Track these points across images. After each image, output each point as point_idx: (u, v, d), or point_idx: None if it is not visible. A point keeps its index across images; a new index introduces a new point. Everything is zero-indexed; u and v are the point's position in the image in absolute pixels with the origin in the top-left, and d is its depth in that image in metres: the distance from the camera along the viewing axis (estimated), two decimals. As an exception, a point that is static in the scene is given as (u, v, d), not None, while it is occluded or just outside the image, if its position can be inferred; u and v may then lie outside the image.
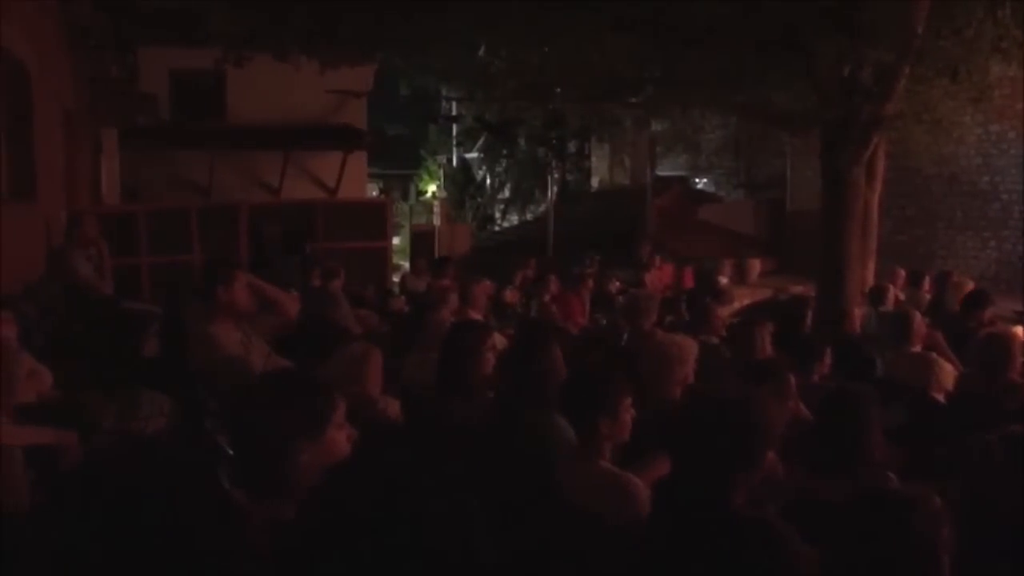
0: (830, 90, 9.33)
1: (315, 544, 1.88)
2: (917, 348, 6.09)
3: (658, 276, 13.76)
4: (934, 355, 5.94)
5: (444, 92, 22.55)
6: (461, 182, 29.62)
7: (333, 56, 11.38)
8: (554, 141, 22.69)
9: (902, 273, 11.06)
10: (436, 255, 16.91)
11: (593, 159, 27.82)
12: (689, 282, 13.88)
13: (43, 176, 8.40)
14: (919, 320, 6.32)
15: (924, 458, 3.91)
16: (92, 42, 10.95)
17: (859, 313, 8.28)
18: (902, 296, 9.92)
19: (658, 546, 2.53)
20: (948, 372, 5.67)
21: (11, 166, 7.21)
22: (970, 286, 9.73)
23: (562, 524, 3.00)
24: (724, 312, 8.23)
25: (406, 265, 18.76)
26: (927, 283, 10.46)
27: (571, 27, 9.43)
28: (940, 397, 5.42)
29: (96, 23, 10.37)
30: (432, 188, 31.15)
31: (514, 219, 28.15)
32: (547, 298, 9.35)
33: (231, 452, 2.33)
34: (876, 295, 9.14)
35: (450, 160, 31.05)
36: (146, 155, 15.24)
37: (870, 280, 11.24)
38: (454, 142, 30.43)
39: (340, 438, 2.28)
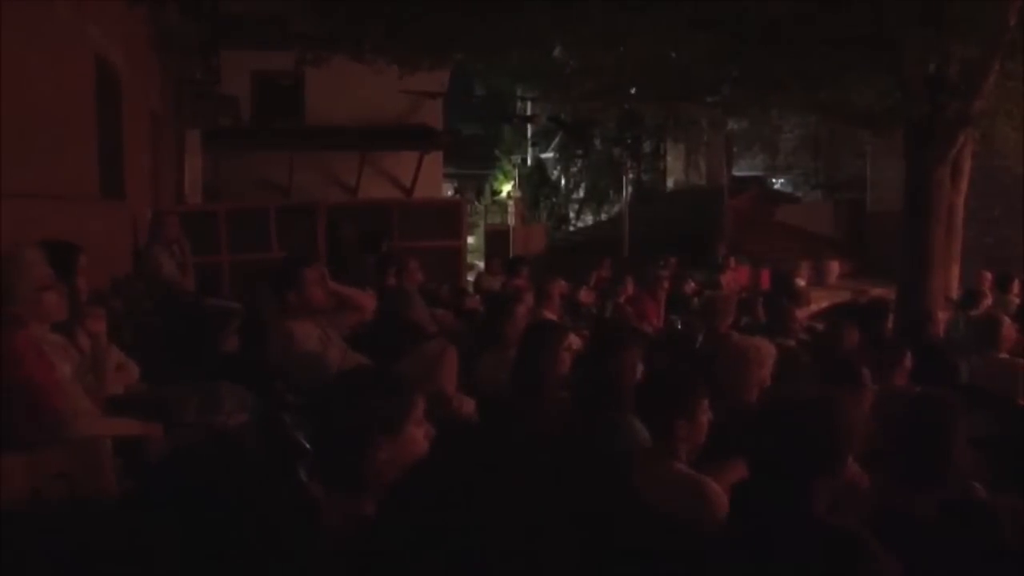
0: (915, 87, 9.10)
1: (394, 539, 1.90)
2: (1005, 355, 5.90)
3: (734, 277, 13.59)
4: (1022, 361, 5.75)
5: (519, 92, 22.61)
6: (536, 182, 29.63)
7: (410, 58, 11.49)
8: (629, 141, 22.60)
9: (988, 276, 10.74)
10: (511, 255, 16.96)
11: (668, 159, 27.59)
12: (765, 284, 13.68)
13: (131, 176, 8.65)
14: (1008, 325, 6.13)
15: (1012, 469, 3.79)
16: (178, 46, 11.24)
17: (943, 317, 8.07)
18: (988, 300, 9.64)
19: (736, 551, 2.50)
20: (1037, 379, 5.50)
21: (102, 166, 7.44)
22: (1061, 291, 9.42)
23: (639, 526, 2.98)
24: (801, 314, 8.09)
25: (481, 265, 18.84)
26: (1016, 287, 10.14)
27: (647, 26, 9.36)
28: (1030, 406, 5.26)
29: (182, 27, 10.65)
30: (507, 188, 31.20)
31: (589, 219, 28.05)
32: (622, 299, 9.30)
33: (309, 447, 2.37)
34: (968, 299, 8.88)
35: (525, 160, 31.08)
36: (227, 155, 15.62)
37: (954, 283, 10.95)
38: (529, 142, 30.46)
39: (419, 435, 2.29)
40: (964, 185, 11.37)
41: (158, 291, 7.24)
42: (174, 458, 3.68)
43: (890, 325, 7.12)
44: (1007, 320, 6.32)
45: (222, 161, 15.62)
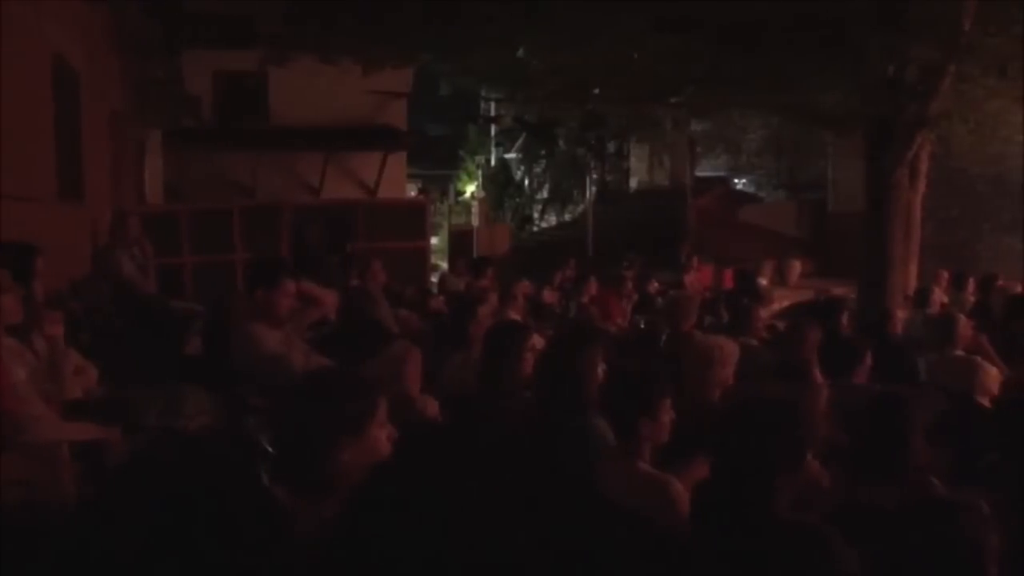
0: (875, 89, 9.22)
1: (357, 541, 1.90)
2: (960, 351, 5.99)
3: (697, 277, 13.69)
4: (978, 359, 5.84)
5: (484, 93, 22.62)
6: (500, 182, 29.65)
7: (375, 58, 11.46)
8: (593, 141, 22.69)
9: (945, 275, 10.90)
10: (475, 255, 16.95)
11: (632, 159, 27.73)
12: (729, 283, 13.78)
13: (90, 176, 8.54)
14: (964, 323, 6.22)
15: (968, 464, 3.85)
16: (139, 45, 11.11)
17: (902, 316, 8.17)
18: (945, 299, 9.78)
19: (699, 548, 2.52)
20: (993, 376, 5.58)
21: (59, 166, 7.34)
22: (1017, 290, 9.57)
23: (603, 525, 2.99)
24: (764, 314, 8.15)
25: (445, 265, 18.82)
26: (971, 286, 10.30)
27: (612, 27, 9.40)
28: (985, 401, 5.33)
29: (143, 26, 10.52)
30: (471, 188, 31.20)
31: (553, 220, 28.13)
32: (586, 299, 9.31)
33: (272, 450, 2.36)
34: (921, 297, 9.02)
35: (489, 160, 31.09)
36: (190, 156, 15.46)
37: (912, 282, 11.10)
38: (493, 142, 30.47)
39: (381, 437, 2.29)
40: (922, 185, 11.55)
41: (118, 293, 7.15)
42: (134, 462, 3.64)
43: (846, 322, 7.18)
44: (963, 318, 6.42)
45: (184, 162, 15.46)
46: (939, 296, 9.42)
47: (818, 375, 4.22)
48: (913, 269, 11.53)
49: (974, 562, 2.21)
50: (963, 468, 3.75)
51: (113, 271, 7.52)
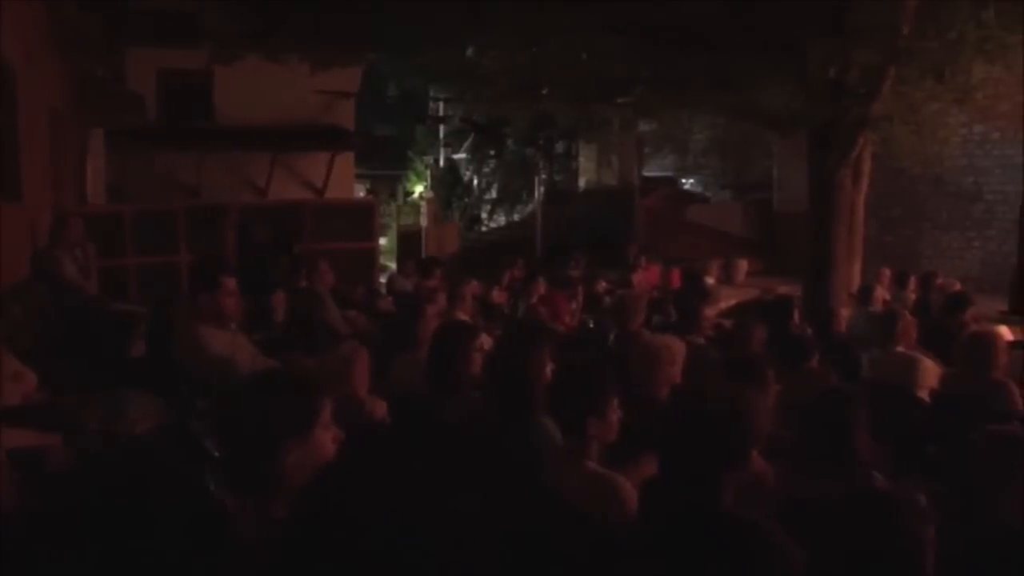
0: (818, 91, 9.37)
1: (304, 542, 1.88)
2: (901, 348, 6.11)
3: (645, 276, 13.77)
4: (918, 355, 5.97)
5: (432, 93, 22.55)
6: (449, 183, 29.59)
7: (324, 56, 11.37)
8: (541, 142, 22.71)
9: (888, 273, 11.11)
10: (423, 256, 16.90)
11: (580, 160, 27.84)
12: (676, 282, 13.90)
13: (28, 176, 8.35)
14: (907, 320, 6.35)
15: (910, 458, 3.93)
16: (79, 41, 10.90)
17: (846, 313, 8.32)
18: (888, 296, 9.97)
19: (647, 546, 2.54)
20: (932, 371, 5.71)
21: (-4, 166, 7.18)
22: (956, 287, 9.79)
23: (551, 525, 3.00)
24: (710, 312, 8.24)
25: (393, 266, 18.75)
26: (912, 283, 10.52)
27: (561, 27, 9.44)
28: (924, 395, 5.45)
29: (84, 22, 10.32)
30: (419, 189, 31.11)
31: (501, 220, 28.14)
32: (534, 299, 9.34)
33: (217, 453, 2.34)
34: (864, 295, 9.19)
35: (437, 161, 31.02)
36: (133, 156, 15.19)
37: (856, 280, 11.30)
38: (442, 143, 30.39)
39: (326, 439, 2.28)
40: (864, 185, 11.77)
41: (59, 296, 7.01)
42: (76, 469, 3.57)
43: (798, 320, 7.30)
44: (907, 315, 6.55)
45: (128, 161, 15.17)
46: (881, 294, 9.61)
47: (767, 372, 4.28)
48: (857, 267, 11.74)
49: (911, 553, 2.26)
50: (905, 463, 3.84)
51: (54, 273, 7.38)
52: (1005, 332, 7.43)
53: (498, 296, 10.07)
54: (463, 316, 6.95)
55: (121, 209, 12.20)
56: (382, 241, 18.57)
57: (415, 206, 29.66)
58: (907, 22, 8.72)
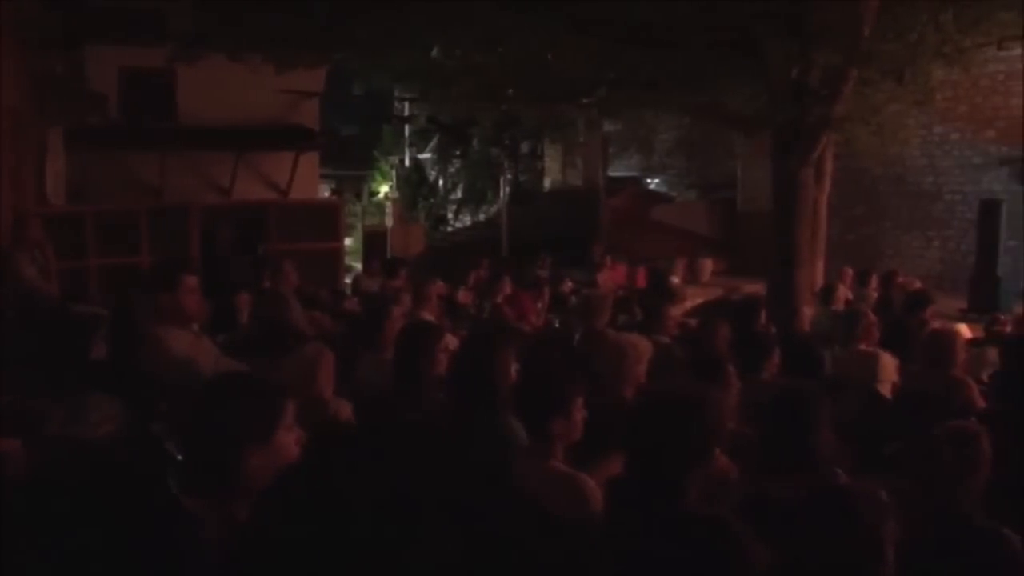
0: (780, 92, 9.45)
1: (267, 544, 1.87)
2: (864, 346, 6.19)
3: (611, 276, 13.83)
4: (879, 351, 6.05)
5: (397, 92, 22.46)
6: (414, 183, 29.48)
7: (287, 56, 11.29)
8: (507, 142, 22.72)
9: (850, 272, 11.25)
10: (389, 256, 16.85)
11: (546, 160, 27.87)
12: (642, 282, 13.97)
13: (-14, 176, 8.24)
14: (870, 318, 6.44)
15: (872, 454, 3.98)
16: (37, 38, 10.74)
17: (809, 312, 8.40)
18: (850, 295, 10.09)
19: (612, 544, 2.55)
20: (891, 364, 5.79)
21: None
22: (916, 285, 9.93)
23: (517, 524, 3.00)
24: (676, 311, 8.29)
25: (358, 266, 18.66)
26: (874, 282, 10.65)
27: (526, 28, 9.44)
28: (886, 389, 5.53)
29: (43, 19, 10.18)
30: (384, 189, 30.98)
31: (467, 220, 28.09)
32: (500, 299, 9.34)
33: (179, 456, 2.32)
34: (827, 294, 9.28)
35: (403, 161, 30.90)
36: (94, 155, 14.97)
37: (819, 279, 11.42)
38: (407, 143, 30.28)
39: (289, 441, 2.27)
40: (827, 185, 11.90)
41: (18, 297, 6.91)
42: (36, 474, 3.52)
43: (764, 320, 7.36)
44: (870, 313, 6.64)
45: (89, 161, 14.94)
46: (844, 292, 9.73)
47: (729, 371, 4.31)
48: (820, 266, 11.86)
49: (873, 548, 2.30)
50: (867, 459, 3.88)
51: (12, 275, 7.27)
52: (964, 330, 7.57)
53: (464, 296, 10.07)
54: (428, 316, 6.93)
55: (82, 209, 12.05)
56: (347, 241, 18.47)
57: (380, 206, 29.56)
58: (867, 24, 8.82)
